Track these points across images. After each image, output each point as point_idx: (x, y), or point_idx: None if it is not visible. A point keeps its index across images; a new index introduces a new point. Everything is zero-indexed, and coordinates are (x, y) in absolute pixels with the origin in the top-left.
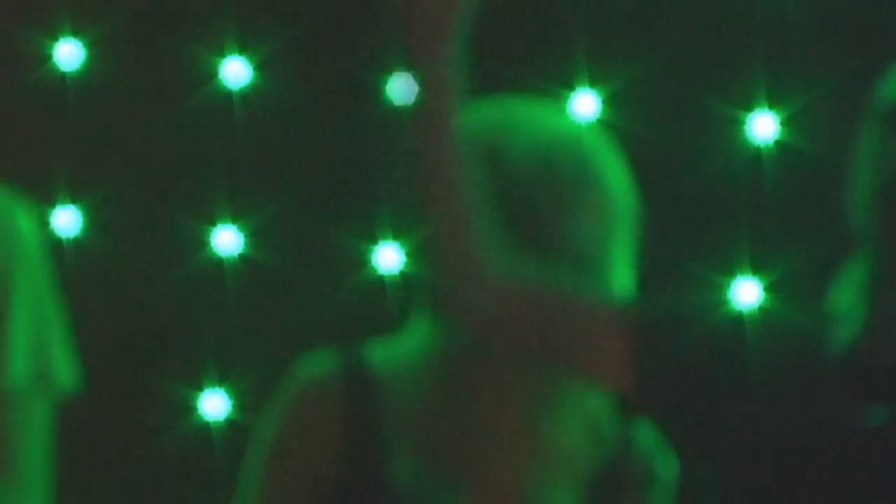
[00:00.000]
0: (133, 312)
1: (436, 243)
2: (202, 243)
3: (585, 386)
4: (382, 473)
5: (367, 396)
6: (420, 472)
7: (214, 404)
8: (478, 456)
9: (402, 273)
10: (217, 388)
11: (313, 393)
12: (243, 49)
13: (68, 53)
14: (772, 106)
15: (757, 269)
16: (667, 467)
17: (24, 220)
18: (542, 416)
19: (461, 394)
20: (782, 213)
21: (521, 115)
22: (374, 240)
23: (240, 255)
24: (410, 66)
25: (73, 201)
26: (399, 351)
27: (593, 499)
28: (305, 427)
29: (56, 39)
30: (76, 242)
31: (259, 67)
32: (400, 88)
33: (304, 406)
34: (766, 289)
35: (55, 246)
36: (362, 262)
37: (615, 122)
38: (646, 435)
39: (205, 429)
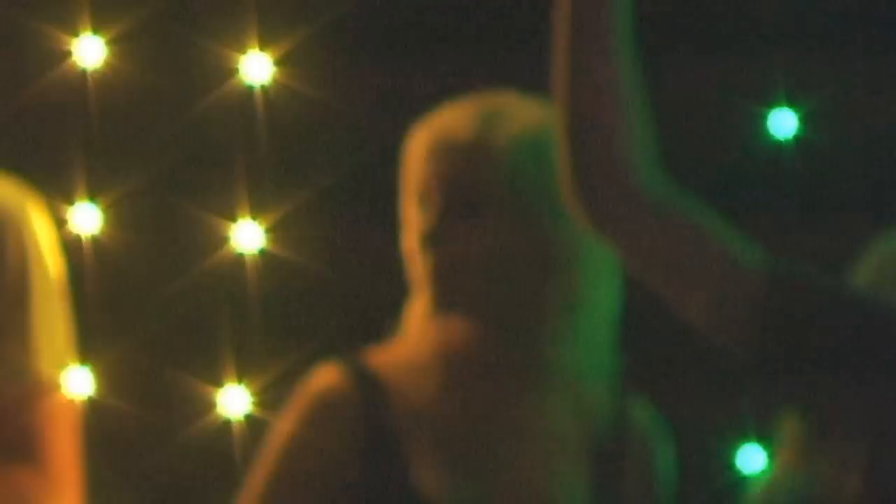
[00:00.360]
0: (152, 308)
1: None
2: (222, 239)
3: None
4: (403, 478)
5: (379, 402)
6: (440, 474)
7: (234, 400)
8: (495, 454)
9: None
10: (237, 384)
11: (327, 403)
12: (263, 44)
13: (89, 50)
14: (791, 102)
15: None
16: (665, 440)
17: (37, 220)
18: (539, 403)
19: (465, 394)
20: (801, 210)
21: None
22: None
23: (260, 250)
24: None
25: (93, 198)
26: (400, 354)
27: (597, 474)
28: (321, 437)
29: (77, 36)
30: (95, 239)
31: (279, 63)
32: None
33: (319, 417)
34: None
35: (74, 243)
36: (385, 255)
37: None
38: (642, 410)
39: (225, 425)
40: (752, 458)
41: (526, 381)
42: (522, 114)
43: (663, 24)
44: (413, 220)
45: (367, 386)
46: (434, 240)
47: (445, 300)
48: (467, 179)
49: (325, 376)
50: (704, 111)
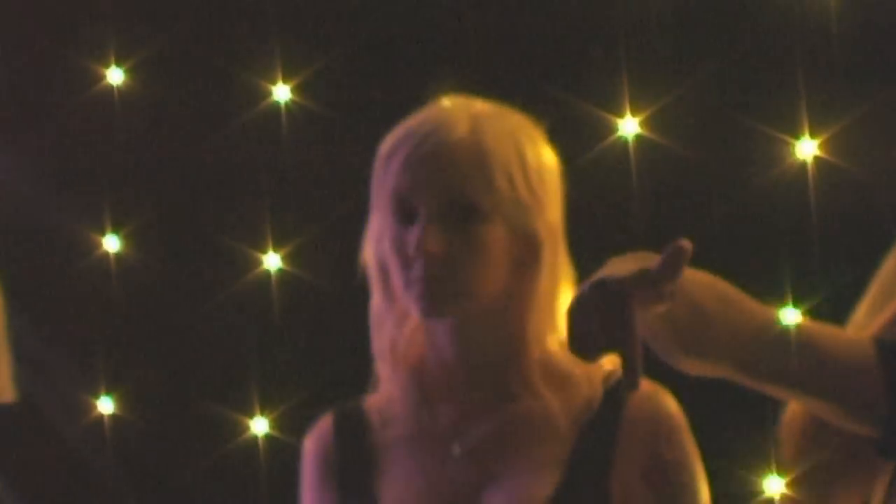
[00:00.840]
0: (177, 333)
1: None
2: (248, 265)
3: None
4: (370, 497)
5: (353, 433)
6: (404, 494)
7: (259, 424)
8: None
9: None
10: (260, 408)
11: (311, 438)
12: (286, 71)
13: (117, 77)
14: (814, 130)
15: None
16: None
17: None
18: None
19: (437, 409)
20: (825, 236)
21: None
22: None
23: (283, 275)
24: None
25: (119, 225)
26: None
27: (580, 464)
28: (308, 469)
29: (103, 63)
30: (123, 265)
31: (301, 88)
32: None
33: (305, 458)
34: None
35: (103, 269)
36: None
37: (658, 143)
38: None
39: (251, 447)
40: (777, 487)
41: (504, 390)
42: (502, 116)
43: (687, 51)
44: (387, 228)
45: (345, 420)
46: (422, 245)
47: (434, 307)
48: (456, 183)
49: (317, 425)
50: (728, 137)
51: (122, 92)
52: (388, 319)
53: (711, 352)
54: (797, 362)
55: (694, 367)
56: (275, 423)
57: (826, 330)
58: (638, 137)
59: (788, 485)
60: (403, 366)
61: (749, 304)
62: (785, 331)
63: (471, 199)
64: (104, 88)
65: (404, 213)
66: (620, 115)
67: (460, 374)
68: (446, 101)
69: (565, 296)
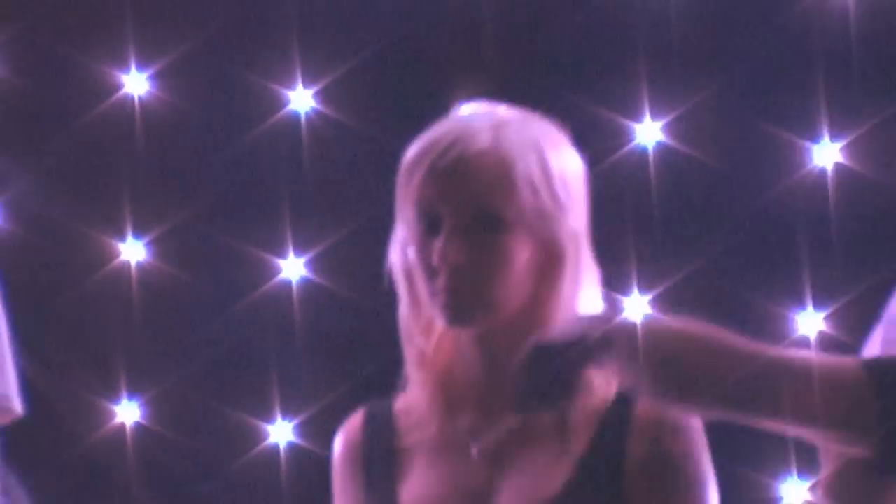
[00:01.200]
0: (199, 340)
1: None
2: (270, 272)
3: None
4: (393, 499)
5: (380, 431)
6: (424, 493)
7: (279, 431)
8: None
9: None
10: (282, 415)
11: (341, 432)
12: (306, 78)
13: (138, 84)
14: (833, 135)
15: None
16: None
17: None
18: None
19: (460, 414)
20: (845, 241)
21: None
22: None
23: (304, 282)
24: None
25: (142, 231)
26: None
27: (592, 464)
28: (336, 461)
29: (126, 70)
30: (144, 272)
31: (321, 95)
32: None
33: (335, 453)
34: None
35: (124, 276)
36: None
37: (677, 149)
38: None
39: (272, 454)
40: (794, 492)
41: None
42: (526, 123)
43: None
44: (411, 237)
45: (374, 419)
46: (446, 255)
47: (459, 318)
48: (479, 194)
49: (349, 419)
50: (747, 143)
51: (144, 99)
52: (415, 327)
53: (696, 400)
54: (787, 394)
55: (684, 412)
56: (296, 430)
57: (813, 357)
58: (658, 143)
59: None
60: (431, 372)
61: (734, 346)
62: (772, 365)
63: (494, 209)
64: (125, 96)
65: (428, 223)
66: (640, 121)
67: (485, 381)
68: (469, 110)
69: (590, 300)
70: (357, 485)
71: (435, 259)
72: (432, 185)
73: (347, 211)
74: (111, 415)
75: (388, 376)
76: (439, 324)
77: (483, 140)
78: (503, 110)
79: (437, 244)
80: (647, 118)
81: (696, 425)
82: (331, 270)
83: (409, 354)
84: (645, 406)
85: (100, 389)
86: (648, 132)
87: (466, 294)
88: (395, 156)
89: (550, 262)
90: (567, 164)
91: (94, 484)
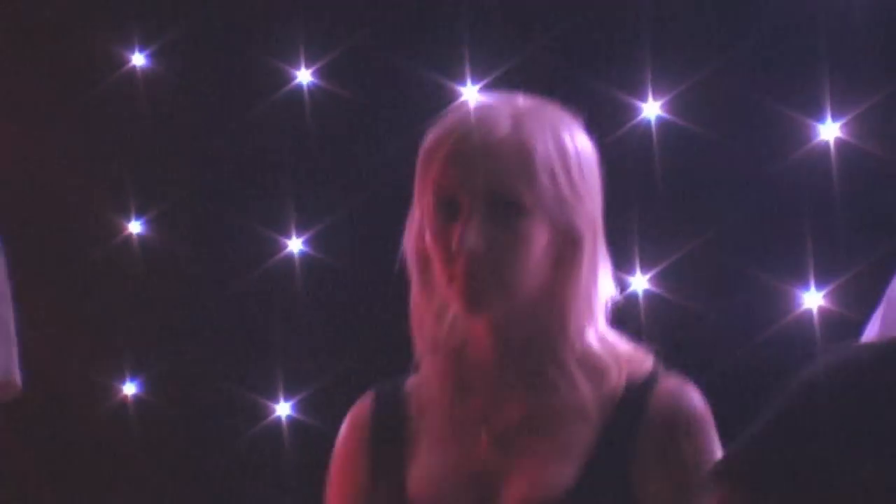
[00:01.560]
0: (202, 316)
1: None
2: (272, 249)
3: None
4: (398, 481)
5: (392, 408)
6: (432, 473)
7: (283, 407)
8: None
9: None
10: (285, 393)
11: (351, 414)
12: (309, 55)
13: (141, 61)
14: (836, 112)
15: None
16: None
17: None
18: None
19: (473, 396)
20: (847, 218)
21: None
22: None
23: (307, 258)
24: None
25: (145, 208)
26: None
27: (604, 455)
28: (342, 445)
29: (129, 47)
30: (147, 248)
31: (323, 72)
32: None
33: (342, 433)
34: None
35: (128, 252)
36: None
37: (679, 126)
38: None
39: (275, 430)
40: None
41: (539, 381)
42: (543, 111)
43: (710, 33)
44: (429, 222)
45: (383, 400)
46: (465, 241)
47: (476, 303)
48: (498, 179)
49: (359, 400)
50: (750, 120)
51: (147, 76)
52: (427, 312)
53: None
54: None
55: None
56: (298, 407)
57: None
58: (660, 120)
59: None
60: (442, 356)
61: None
62: None
63: (513, 195)
64: (128, 72)
65: (447, 209)
66: (643, 98)
67: (498, 366)
68: (488, 98)
69: (604, 286)
70: (361, 468)
71: (454, 244)
72: (452, 171)
73: (350, 188)
74: (114, 391)
75: (390, 354)
76: (452, 309)
77: (503, 127)
78: (521, 99)
79: (456, 230)
80: (650, 96)
81: (708, 415)
82: (333, 247)
83: (420, 339)
84: (660, 393)
85: (102, 366)
86: (651, 110)
87: (484, 280)
88: (397, 132)
89: (568, 248)
90: (583, 152)
91: (96, 459)
